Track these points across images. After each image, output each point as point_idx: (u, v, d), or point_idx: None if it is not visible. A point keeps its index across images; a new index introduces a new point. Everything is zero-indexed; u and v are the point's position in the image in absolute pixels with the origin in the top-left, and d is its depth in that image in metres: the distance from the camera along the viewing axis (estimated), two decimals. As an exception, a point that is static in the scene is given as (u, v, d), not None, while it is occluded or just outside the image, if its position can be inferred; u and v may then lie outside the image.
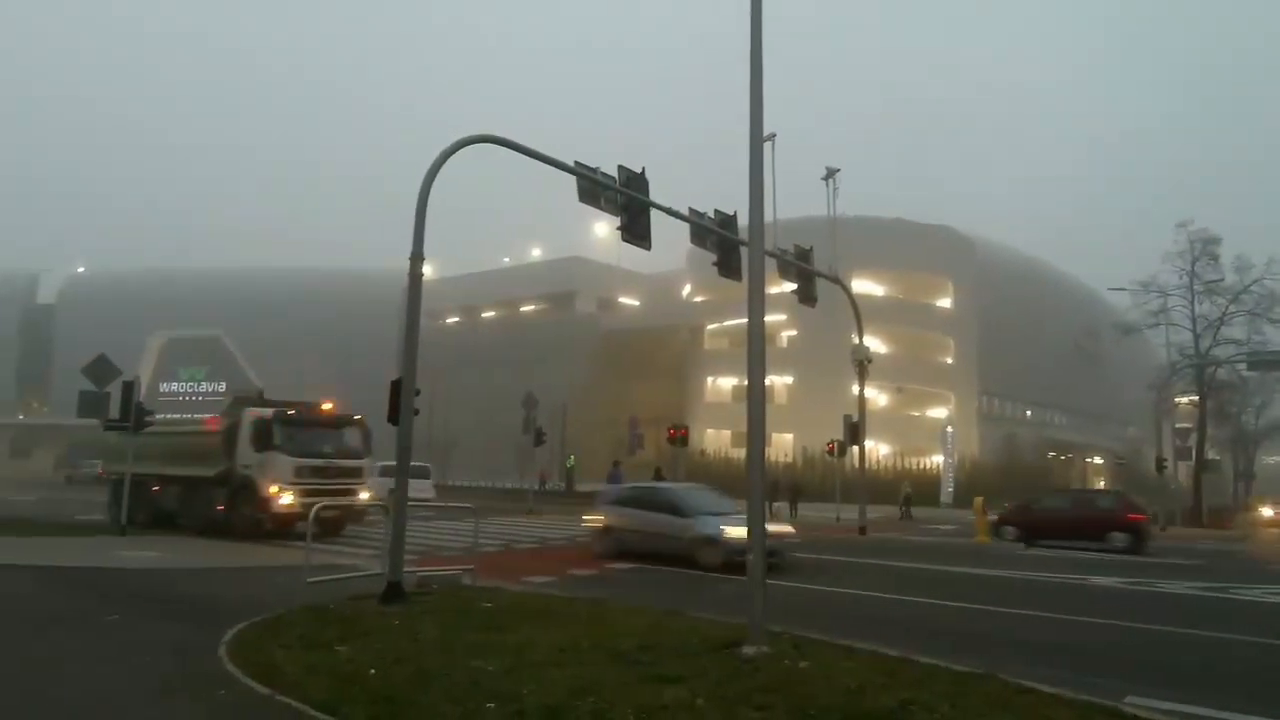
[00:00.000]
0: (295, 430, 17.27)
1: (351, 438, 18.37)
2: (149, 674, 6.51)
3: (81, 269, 74.87)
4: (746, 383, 8.24)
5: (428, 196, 10.54)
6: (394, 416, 10.34)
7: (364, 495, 17.99)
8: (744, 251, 16.29)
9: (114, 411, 16.82)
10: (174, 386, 66.44)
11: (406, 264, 10.47)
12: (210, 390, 66.51)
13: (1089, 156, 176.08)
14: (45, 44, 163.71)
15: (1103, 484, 66.69)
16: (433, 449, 43.16)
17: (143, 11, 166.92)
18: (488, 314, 60.21)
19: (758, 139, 8.24)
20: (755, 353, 7.78)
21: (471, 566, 11.38)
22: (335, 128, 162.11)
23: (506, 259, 68.96)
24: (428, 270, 10.79)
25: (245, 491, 16.90)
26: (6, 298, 70.36)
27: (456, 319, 59.32)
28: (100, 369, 16.71)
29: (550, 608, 9.39)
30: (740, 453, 41.01)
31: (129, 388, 17.01)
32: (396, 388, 10.37)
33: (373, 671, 6.25)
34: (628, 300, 59.63)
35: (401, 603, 9.18)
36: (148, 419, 17.64)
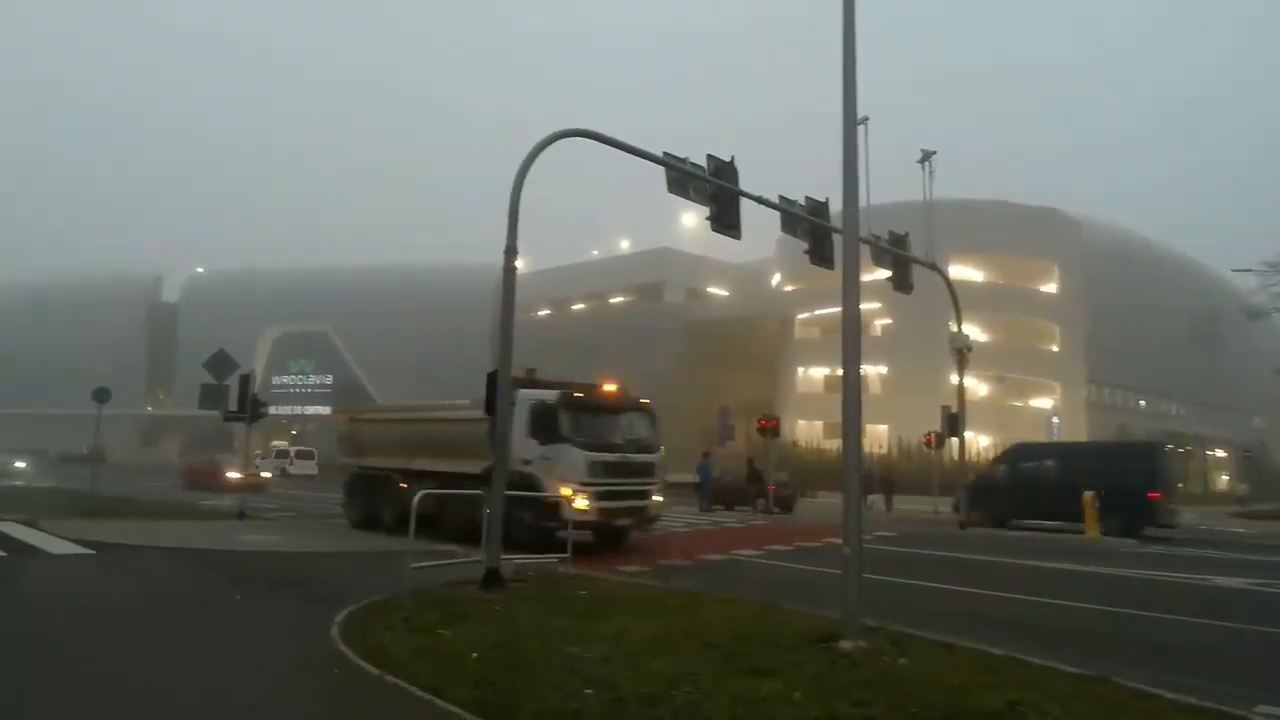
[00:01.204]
0: (585, 417, 14.41)
1: (641, 426, 15.39)
2: (270, 652, 6.90)
3: (201, 269, 79.50)
4: (839, 373, 8.10)
5: (520, 191, 10.74)
6: (490, 407, 10.63)
7: (657, 498, 15.27)
8: (837, 239, 15.98)
9: (233, 404, 17.77)
10: (285, 379, 69.78)
11: (499, 259, 10.72)
12: (318, 383, 69.62)
13: (1210, 126, 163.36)
14: (155, 61, 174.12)
15: (1226, 478, 62.57)
16: None
17: (238, 28, 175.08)
18: (577, 306, 60.85)
19: (851, 123, 8.06)
20: (850, 342, 7.63)
21: (566, 555, 11.59)
22: (427, 130, 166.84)
23: (595, 252, 69.65)
24: (520, 265, 11.00)
25: (526, 495, 13.48)
26: (134, 298, 75.16)
27: (547, 312, 60.24)
28: (220, 363, 17.73)
29: (643, 597, 9.48)
30: (832, 444, 40.27)
31: (245, 381, 18.00)
32: (493, 380, 10.64)
33: (474, 655, 6.44)
34: (716, 290, 59.34)
35: (500, 589, 9.43)
36: (262, 410, 18.59)
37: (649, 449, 15.17)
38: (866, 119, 18.16)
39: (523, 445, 13.90)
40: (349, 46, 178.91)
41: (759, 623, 7.90)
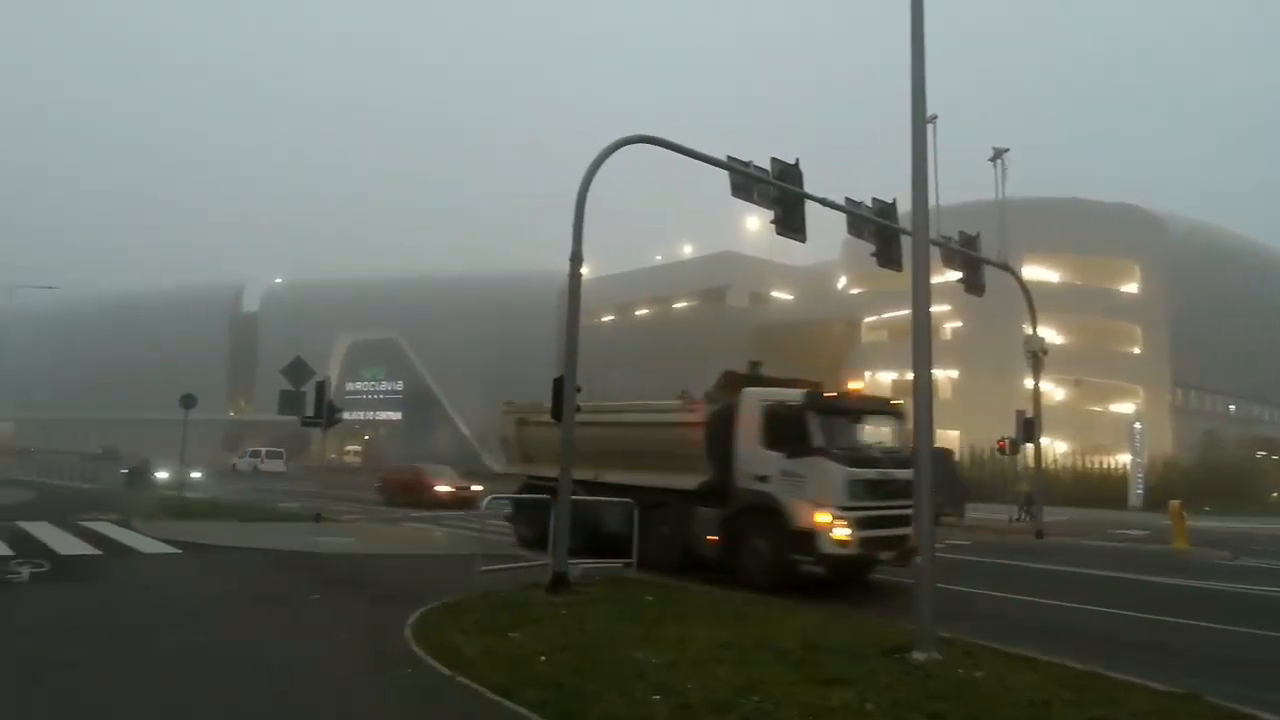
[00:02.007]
0: (839, 423, 11.66)
1: (895, 433, 12.55)
2: (346, 650, 7.10)
3: (279, 280, 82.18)
4: (909, 376, 7.93)
5: (585, 198, 10.84)
6: (557, 413, 10.74)
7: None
8: (905, 240, 15.68)
9: (309, 409, 18.32)
10: (357, 385, 71.25)
11: (562, 266, 10.83)
12: (389, 389, 70.79)
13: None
14: (229, 84, 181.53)
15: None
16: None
17: (303, 48, 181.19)
18: (641, 312, 60.95)
19: (920, 121, 7.91)
20: (921, 346, 7.47)
21: (631, 560, 11.62)
22: (492, 141, 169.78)
23: (659, 257, 69.64)
24: (584, 271, 11.10)
25: (763, 520, 11.14)
26: (216, 308, 78.16)
27: (611, 317, 60.53)
28: (297, 370, 18.32)
29: (710, 603, 9.45)
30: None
31: (321, 387, 18.56)
32: (559, 385, 10.75)
33: (542, 658, 6.51)
34: (781, 294, 58.78)
35: (567, 593, 9.51)
36: (336, 416, 19.12)
37: (907, 462, 11.75)
38: (935, 117, 17.74)
39: (754, 458, 11.49)
40: (410, 62, 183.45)
41: (828, 631, 7.79)
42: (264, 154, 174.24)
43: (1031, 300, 22.78)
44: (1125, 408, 46.69)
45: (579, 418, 12.68)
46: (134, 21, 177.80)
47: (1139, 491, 38.29)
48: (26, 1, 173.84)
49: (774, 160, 14.04)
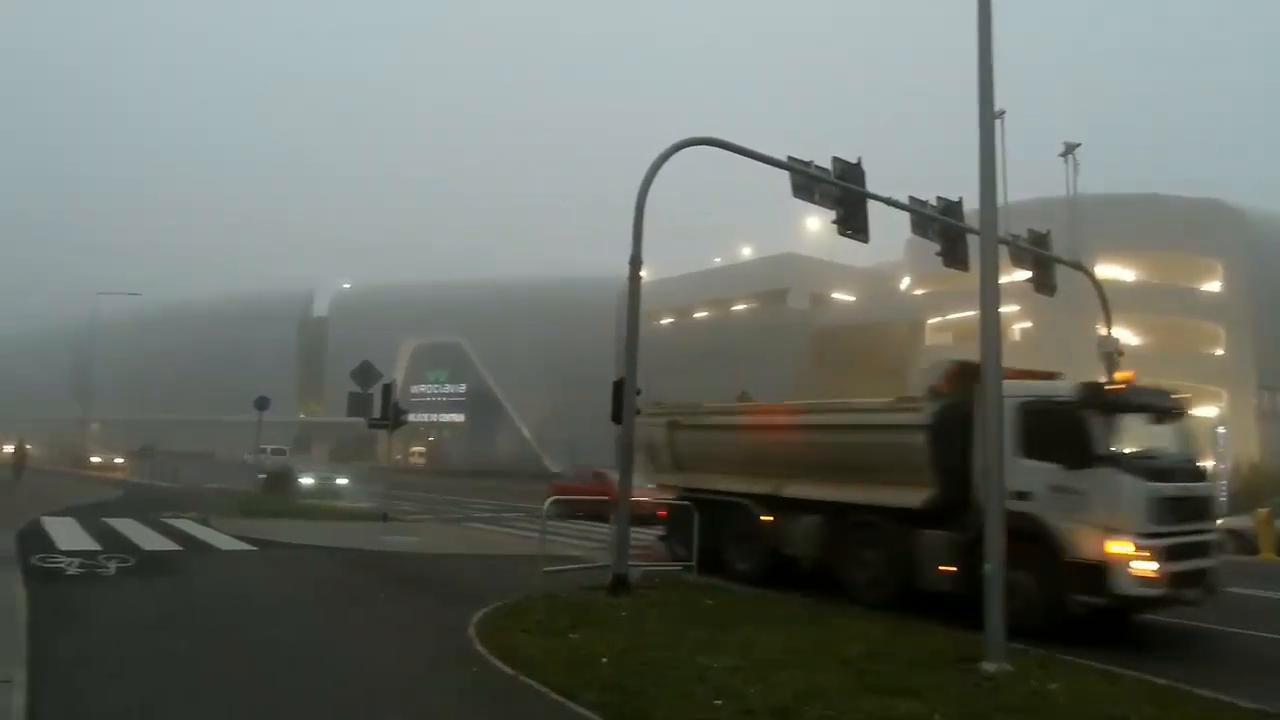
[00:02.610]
0: (1124, 426, 9.19)
1: (1187, 438, 10.19)
2: (413, 649, 7.26)
3: (347, 285, 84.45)
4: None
5: (644, 201, 10.85)
6: (617, 416, 10.79)
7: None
8: (972, 239, 15.30)
9: (376, 411, 18.77)
10: (422, 388, 72.47)
11: (621, 269, 10.87)
12: (452, 392, 71.71)
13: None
14: (291, 90, 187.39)
15: None
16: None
17: (362, 65, 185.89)
18: (700, 315, 60.77)
19: (988, 117, 7.72)
20: (990, 347, 7.29)
21: (692, 563, 11.59)
22: (552, 143, 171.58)
23: (718, 259, 69.21)
24: (644, 274, 11.12)
25: (1023, 547, 8.09)
26: (287, 313, 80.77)
27: (670, 320, 60.49)
28: (365, 373, 18.80)
29: (771, 608, 9.36)
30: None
31: (387, 390, 19.00)
32: (619, 388, 10.80)
33: (604, 660, 6.54)
34: (842, 296, 57.94)
35: (627, 595, 9.54)
36: (402, 418, 19.54)
37: (1202, 474, 9.99)
38: (1003, 112, 17.30)
39: (1013, 468, 8.49)
40: (468, 70, 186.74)
41: (892, 640, 7.65)
42: (332, 165, 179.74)
43: (1106, 300, 21.97)
44: (1208, 411, 44.68)
45: (753, 420, 11.94)
46: (204, 38, 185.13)
47: (1222, 499, 36.56)
48: (102, 21, 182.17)
49: (835, 159, 13.86)
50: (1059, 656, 7.07)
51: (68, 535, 13.57)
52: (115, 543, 12.94)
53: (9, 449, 53.01)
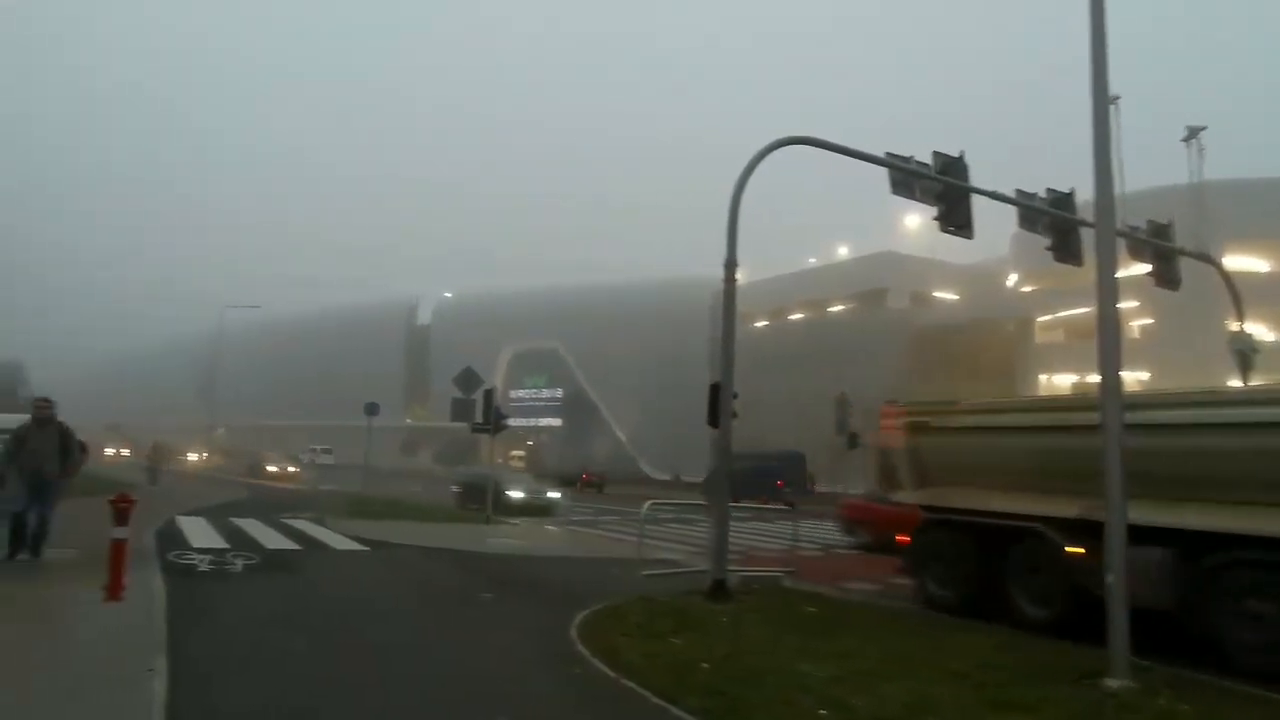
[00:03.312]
0: None
1: None
2: (518, 649, 7.42)
3: (449, 294, 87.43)
4: (1089, 379, 7.30)
5: (739, 203, 10.80)
6: (714, 419, 10.75)
7: None
8: (1085, 233, 14.55)
9: (478, 416, 19.31)
10: (521, 393, 74.06)
11: (716, 272, 10.84)
12: (549, 396, 73.12)
13: None
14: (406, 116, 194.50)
15: None
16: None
17: (463, 83, 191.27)
18: (795, 316, 59.80)
19: (1102, 103, 7.32)
20: (1108, 346, 6.90)
21: (792, 569, 11.43)
22: (644, 148, 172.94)
23: (813, 260, 68.08)
24: (738, 277, 11.05)
25: None
26: (394, 321, 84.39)
27: (765, 323, 59.78)
28: (467, 379, 19.38)
29: (875, 616, 9.14)
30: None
31: (489, 395, 19.53)
32: (715, 391, 10.76)
33: (704, 665, 6.52)
34: (944, 295, 55.97)
35: (726, 601, 9.48)
36: (503, 422, 20.02)
37: None
38: (1118, 98, 16.41)
39: None
40: (560, 76, 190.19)
41: (1004, 652, 7.33)
42: (436, 182, 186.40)
43: (1237, 293, 20.48)
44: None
45: (1045, 419, 9.43)
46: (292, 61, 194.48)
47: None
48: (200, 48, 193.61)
49: (936, 154, 13.44)
50: (1188, 674, 6.63)
51: (200, 534, 14.50)
52: (241, 541, 13.73)
53: (124, 452, 56.94)
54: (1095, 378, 7.24)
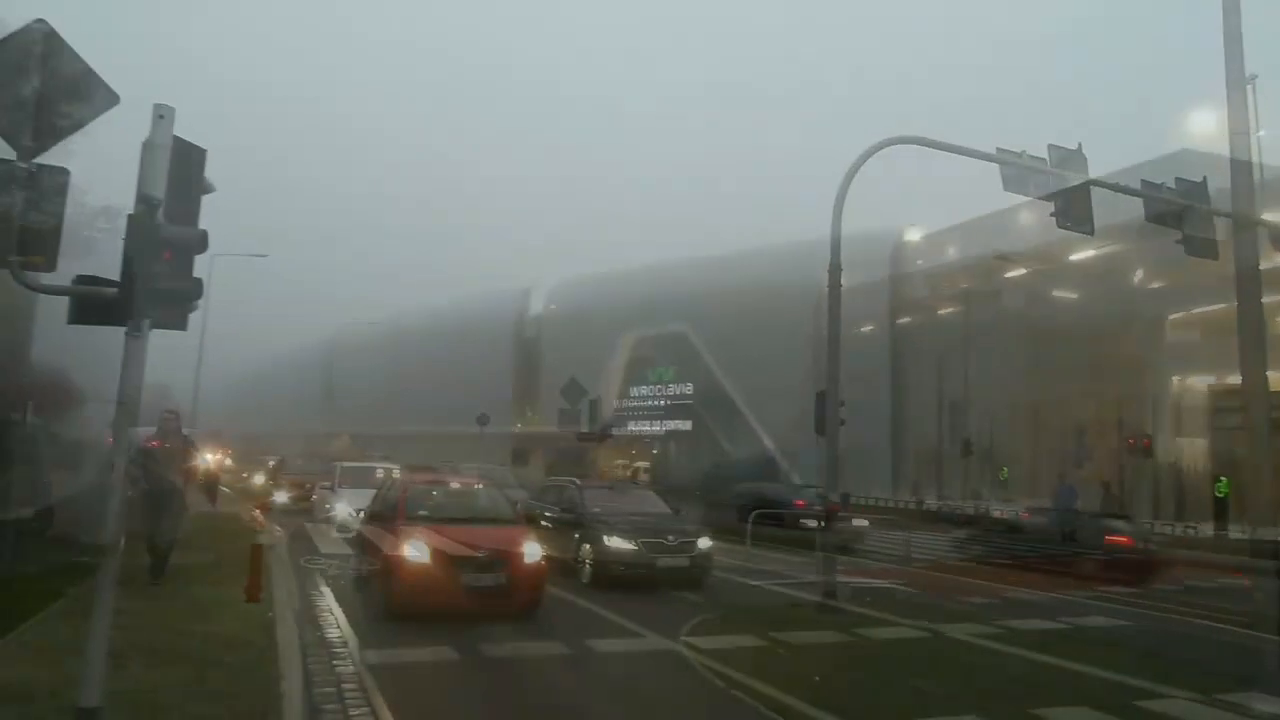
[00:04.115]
0: None
1: None
2: (634, 655, 7.51)
3: (561, 280, 74.50)
4: (1229, 380, 6.80)
5: (843, 205, 10.60)
6: (821, 427, 10.58)
7: None
8: (1221, 223, 13.58)
9: (585, 425, 19.62)
10: (644, 390, 61.18)
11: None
12: (678, 393, 58.89)
13: None
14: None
15: None
16: (852, 461, 39.26)
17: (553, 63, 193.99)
18: (903, 320, 48.56)
19: (1237, 83, 6.84)
20: (1252, 344, 6.42)
21: (904, 581, 11.12)
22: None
23: (920, 263, 61.27)
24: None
25: None
26: (504, 316, 74.77)
27: (870, 328, 53.15)
28: (572, 391, 19.78)
29: (992, 631, 8.76)
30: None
31: (594, 406, 19.82)
32: (821, 399, 10.60)
33: (816, 678, 6.43)
34: (1061, 294, 51.93)
35: (836, 612, 9.30)
36: (609, 432, 20.08)
37: None
38: (1255, 77, 15.22)
39: None
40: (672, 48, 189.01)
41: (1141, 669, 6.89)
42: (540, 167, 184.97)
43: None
44: None
45: None
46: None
47: None
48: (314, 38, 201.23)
49: (1051, 147, 12.79)
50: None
51: (327, 541, 15.23)
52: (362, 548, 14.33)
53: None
54: (1236, 378, 6.81)
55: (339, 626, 7.75)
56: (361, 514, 11.12)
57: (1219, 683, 6.86)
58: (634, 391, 61.02)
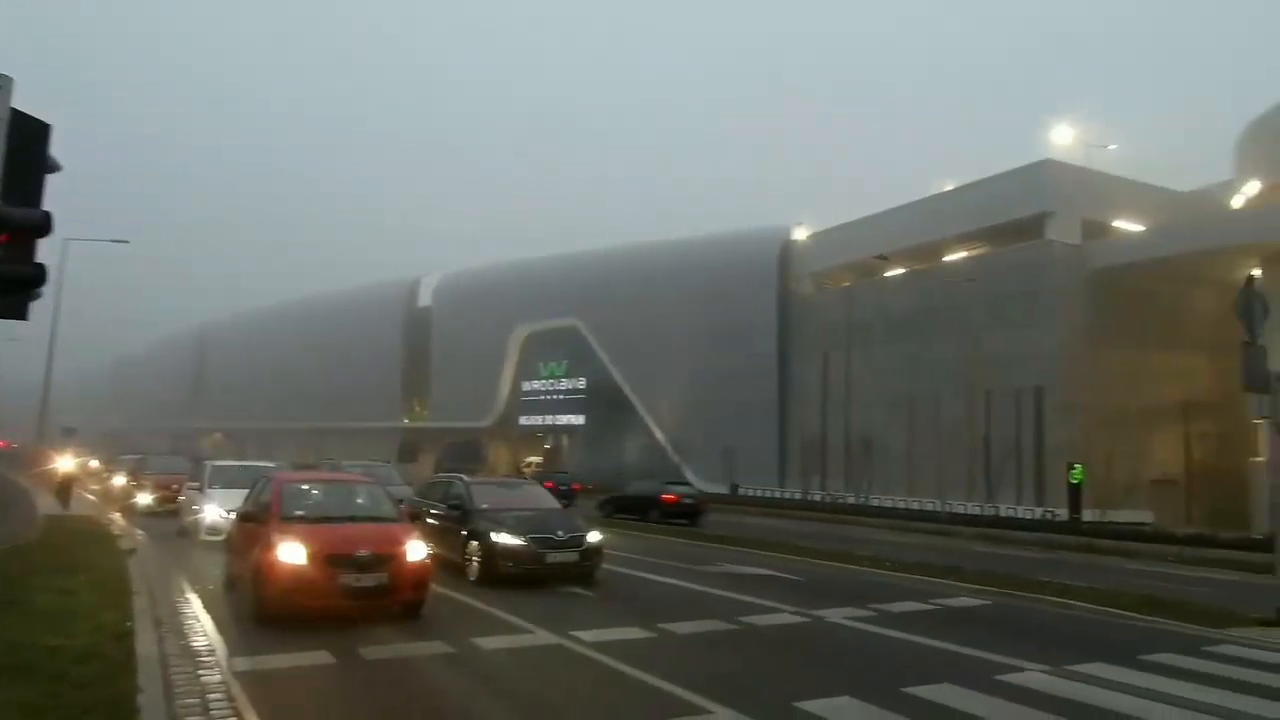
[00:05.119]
0: None
1: None
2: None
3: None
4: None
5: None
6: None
7: None
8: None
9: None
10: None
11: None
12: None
13: None
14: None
15: None
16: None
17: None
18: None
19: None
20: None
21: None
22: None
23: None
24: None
25: None
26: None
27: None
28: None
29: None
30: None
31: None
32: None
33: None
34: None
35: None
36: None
37: None
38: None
39: None
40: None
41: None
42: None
43: None
44: None
45: None
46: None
47: None
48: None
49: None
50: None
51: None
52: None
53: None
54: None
55: (206, 634, 7.33)
56: (233, 515, 10.55)
57: (1066, 655, 7.40)
58: (526, 386, 59.79)
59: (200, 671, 6.05)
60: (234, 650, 6.77)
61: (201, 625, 7.69)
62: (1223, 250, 28.52)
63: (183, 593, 9.34)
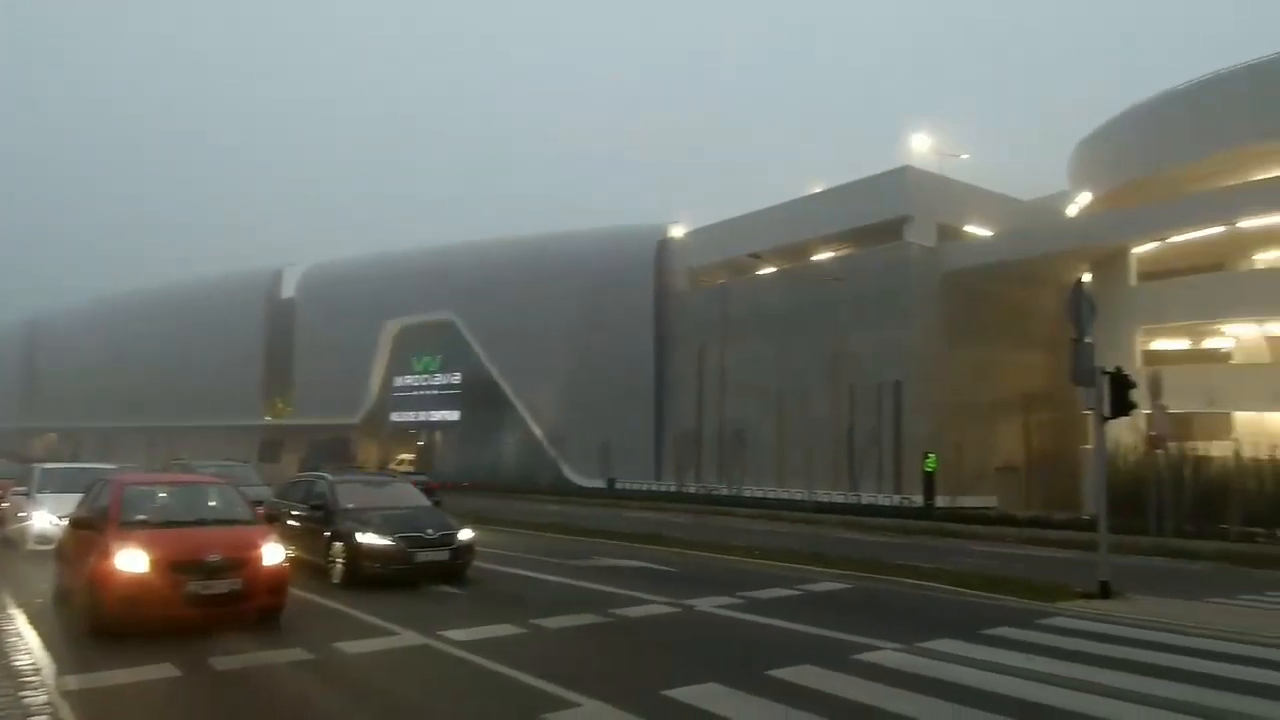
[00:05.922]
0: None
1: None
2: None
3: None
4: (1229, 330, 5.31)
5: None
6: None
7: None
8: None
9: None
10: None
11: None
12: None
13: None
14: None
15: None
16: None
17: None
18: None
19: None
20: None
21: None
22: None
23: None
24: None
25: None
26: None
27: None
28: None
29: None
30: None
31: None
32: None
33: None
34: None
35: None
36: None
37: None
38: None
39: None
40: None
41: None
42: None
43: None
44: None
45: None
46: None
47: None
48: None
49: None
50: None
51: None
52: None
53: None
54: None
55: (30, 651, 6.70)
56: (65, 521, 9.70)
57: (918, 633, 7.87)
58: (398, 381, 58.05)
59: (23, 693, 5.52)
60: (64, 668, 6.20)
61: (26, 642, 7.02)
62: (1058, 255, 31.13)
63: (4, 608, 8.51)
